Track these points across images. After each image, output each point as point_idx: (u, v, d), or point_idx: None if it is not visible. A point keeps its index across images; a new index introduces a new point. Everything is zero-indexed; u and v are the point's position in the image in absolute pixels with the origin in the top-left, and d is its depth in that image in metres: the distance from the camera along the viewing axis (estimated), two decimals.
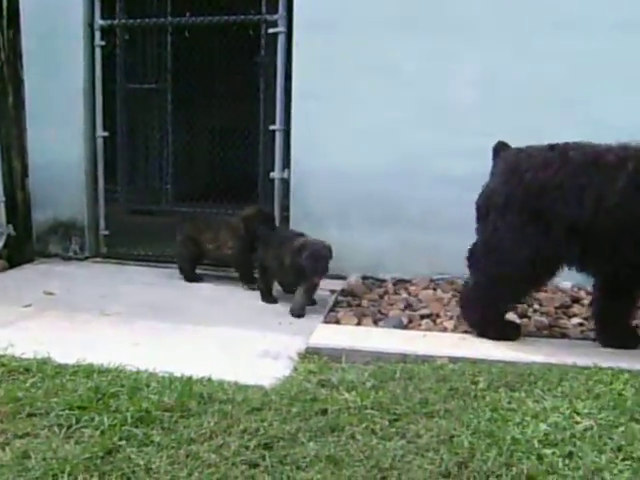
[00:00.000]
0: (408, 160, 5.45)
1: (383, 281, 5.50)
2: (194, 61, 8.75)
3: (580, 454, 2.78)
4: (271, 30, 5.80)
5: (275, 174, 5.84)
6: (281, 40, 5.72)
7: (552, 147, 4.10)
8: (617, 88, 5.15)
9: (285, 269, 4.92)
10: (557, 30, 5.21)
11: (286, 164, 5.81)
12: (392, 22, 5.47)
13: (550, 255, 4.05)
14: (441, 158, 5.38)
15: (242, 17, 6.29)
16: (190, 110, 9.32)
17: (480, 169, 5.29)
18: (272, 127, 5.82)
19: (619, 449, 2.83)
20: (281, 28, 5.72)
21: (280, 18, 5.73)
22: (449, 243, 5.43)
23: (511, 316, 4.66)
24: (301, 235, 5.04)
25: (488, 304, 4.26)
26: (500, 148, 4.33)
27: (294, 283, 4.94)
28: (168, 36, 8.61)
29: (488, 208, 4.21)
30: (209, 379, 3.49)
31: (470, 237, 5.35)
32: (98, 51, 6.20)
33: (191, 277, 5.79)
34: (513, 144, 5.16)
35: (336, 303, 4.99)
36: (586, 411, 3.15)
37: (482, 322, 4.27)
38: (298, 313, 4.77)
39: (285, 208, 5.87)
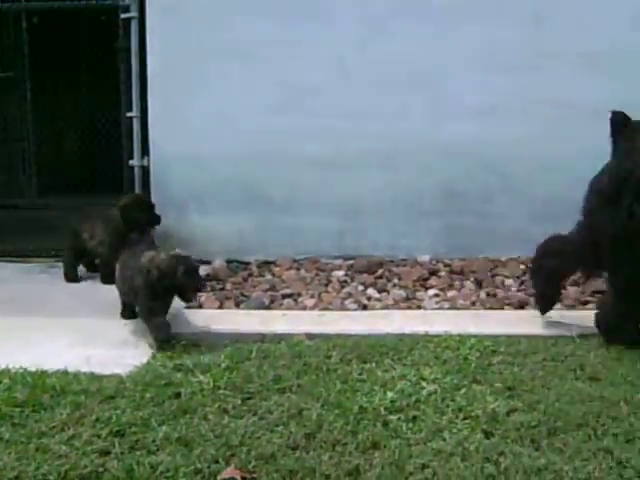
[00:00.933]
0: (266, 143, 5.48)
1: (248, 264, 5.51)
2: (54, 49, 8.50)
3: (423, 417, 2.93)
4: (123, 15, 5.67)
5: (134, 162, 5.73)
6: (134, 25, 5.60)
7: None
8: (469, 67, 5.36)
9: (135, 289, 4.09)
10: (409, 12, 5.34)
11: (146, 151, 5.73)
12: (245, 6, 5.47)
13: None
14: (299, 140, 5.44)
15: (94, 2, 6.15)
16: (52, 99, 9.03)
17: (337, 150, 5.46)
18: (129, 114, 5.71)
19: (460, 410, 3.00)
20: (133, 13, 5.59)
21: (132, 3, 5.60)
22: (310, 223, 5.55)
23: (370, 291, 4.81)
24: (152, 247, 4.38)
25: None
26: (624, 121, 3.74)
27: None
28: (23, 22, 8.31)
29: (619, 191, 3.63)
30: (64, 371, 3.46)
31: (331, 216, 5.51)
32: None
33: (70, 276, 5.31)
34: (372, 124, 5.38)
35: None
36: (432, 377, 3.31)
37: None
38: (166, 334, 3.92)
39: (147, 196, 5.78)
